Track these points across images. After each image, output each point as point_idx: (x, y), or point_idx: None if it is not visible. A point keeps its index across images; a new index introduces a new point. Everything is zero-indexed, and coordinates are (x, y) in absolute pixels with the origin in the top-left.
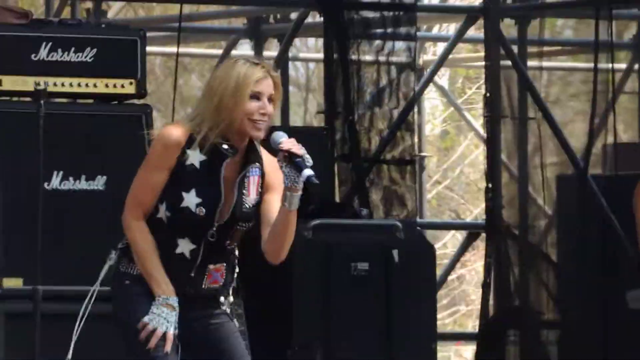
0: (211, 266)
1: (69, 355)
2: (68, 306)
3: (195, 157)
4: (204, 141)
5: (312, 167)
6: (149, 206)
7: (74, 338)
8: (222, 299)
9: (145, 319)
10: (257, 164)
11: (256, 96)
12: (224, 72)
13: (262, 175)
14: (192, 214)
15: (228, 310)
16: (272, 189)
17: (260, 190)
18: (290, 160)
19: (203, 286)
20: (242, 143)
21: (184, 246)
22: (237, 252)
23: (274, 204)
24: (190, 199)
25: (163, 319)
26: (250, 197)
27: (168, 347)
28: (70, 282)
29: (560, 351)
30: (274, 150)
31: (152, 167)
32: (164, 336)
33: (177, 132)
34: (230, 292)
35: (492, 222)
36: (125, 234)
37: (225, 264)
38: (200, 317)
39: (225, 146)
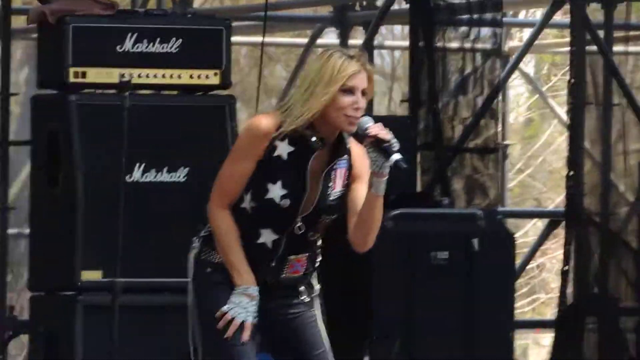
0: (292, 257)
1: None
2: (147, 298)
3: (283, 148)
4: (293, 132)
5: (400, 153)
6: (234, 196)
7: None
8: (301, 288)
9: (224, 308)
10: (346, 156)
11: (350, 90)
12: (319, 63)
13: (350, 168)
14: (276, 205)
15: (307, 300)
16: (359, 178)
17: (346, 182)
18: (377, 146)
19: (283, 275)
20: (332, 136)
21: (267, 236)
22: (320, 242)
23: (360, 192)
24: (276, 191)
25: (242, 308)
26: (336, 190)
27: (246, 336)
28: (149, 275)
29: (639, 338)
30: (361, 136)
31: (239, 157)
32: (242, 326)
33: (266, 123)
34: (313, 280)
35: (572, 209)
36: (209, 222)
37: (307, 254)
38: (279, 307)
39: (314, 138)
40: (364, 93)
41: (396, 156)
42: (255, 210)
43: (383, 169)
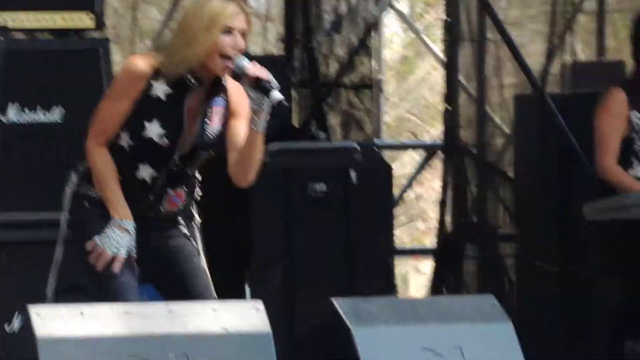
0: (170, 191)
1: (49, 293)
2: (28, 234)
3: (160, 89)
4: (171, 73)
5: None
6: (111, 134)
7: (53, 272)
8: (180, 219)
9: (95, 239)
10: (222, 94)
11: (228, 31)
12: (196, 6)
13: (227, 105)
14: (155, 144)
15: (186, 231)
16: (237, 115)
17: (224, 119)
18: (257, 85)
19: (162, 209)
20: (209, 75)
21: (145, 171)
22: (197, 176)
23: (239, 129)
24: (154, 129)
25: (114, 240)
26: (214, 127)
27: (116, 268)
28: (26, 209)
29: (517, 263)
30: (239, 76)
31: (116, 96)
32: (113, 258)
33: (143, 63)
34: (193, 213)
35: (449, 141)
36: (86, 159)
37: (185, 189)
38: (159, 239)
39: (191, 79)
40: (243, 34)
41: (277, 94)
42: (133, 148)
43: (263, 107)
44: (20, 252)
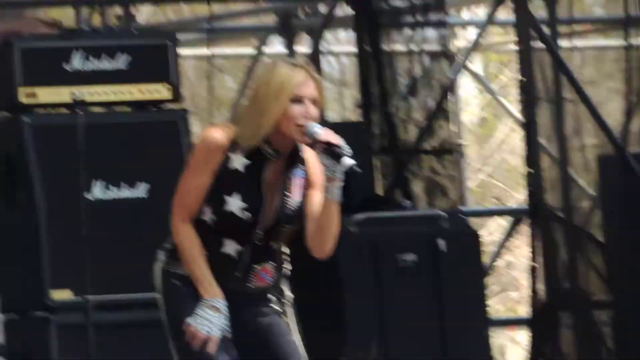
0: (257, 266)
1: None
2: (118, 315)
3: (238, 161)
4: (247, 145)
5: (352, 157)
6: (194, 209)
7: None
8: (270, 296)
9: (189, 320)
10: (301, 165)
11: (299, 100)
12: (265, 76)
13: (306, 177)
14: (237, 218)
15: (278, 308)
16: (313, 185)
17: (303, 190)
18: (329, 151)
19: (251, 285)
20: (287, 146)
21: (230, 246)
22: (285, 250)
23: (315, 198)
24: (235, 203)
25: (207, 321)
26: (294, 199)
27: (211, 349)
28: (118, 291)
29: (614, 330)
30: (312, 143)
31: (195, 170)
32: (207, 339)
33: (220, 135)
34: (283, 289)
35: (535, 206)
36: (172, 237)
37: (272, 264)
38: (251, 316)
39: (269, 150)
40: (314, 102)
41: (349, 161)
42: (217, 223)
43: (336, 174)
44: (113, 332)
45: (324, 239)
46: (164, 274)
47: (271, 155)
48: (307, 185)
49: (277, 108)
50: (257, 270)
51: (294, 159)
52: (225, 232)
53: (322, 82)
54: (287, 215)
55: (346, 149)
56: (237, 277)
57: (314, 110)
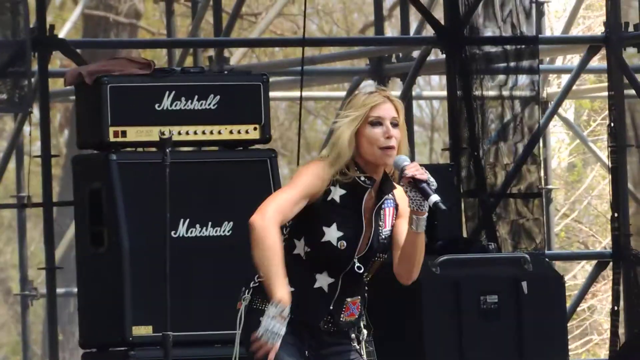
0: (348, 299)
1: None
2: (198, 351)
3: (336, 192)
4: (343, 176)
5: (436, 192)
6: (287, 217)
7: None
8: (352, 335)
9: (258, 331)
10: (391, 195)
11: (378, 122)
12: (351, 102)
13: (396, 206)
14: (333, 248)
15: (358, 347)
16: (401, 215)
17: (394, 221)
18: (415, 185)
19: (341, 319)
20: (377, 174)
21: (322, 280)
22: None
23: (401, 227)
24: (332, 233)
25: (274, 333)
26: (386, 229)
27: (271, 357)
28: (199, 329)
29: None
30: (399, 175)
31: (301, 190)
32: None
33: (327, 168)
34: (362, 327)
35: (619, 249)
36: (252, 234)
37: (360, 296)
38: (332, 354)
39: (363, 178)
40: (396, 124)
41: (435, 197)
42: (310, 255)
43: (422, 207)
44: None
45: (410, 268)
46: (249, 312)
47: (366, 184)
48: (397, 214)
49: (351, 128)
50: (348, 302)
51: (385, 188)
52: (319, 264)
53: (400, 104)
54: (381, 244)
55: (432, 183)
56: (330, 311)
57: (395, 132)
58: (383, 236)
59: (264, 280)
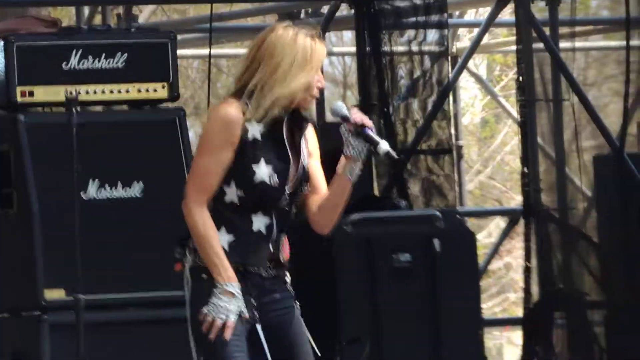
0: (283, 237)
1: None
2: (111, 314)
3: (254, 129)
4: (264, 113)
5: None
6: (213, 190)
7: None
8: (287, 278)
9: (204, 309)
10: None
11: (317, 70)
12: (286, 45)
13: (306, 139)
14: (266, 187)
15: (293, 291)
16: (312, 155)
17: (307, 153)
18: (361, 133)
19: (282, 259)
20: (290, 109)
21: (259, 222)
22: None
23: (318, 170)
24: (262, 170)
25: (222, 308)
26: (306, 160)
27: (227, 334)
28: (112, 291)
29: (607, 331)
30: (339, 121)
31: (214, 149)
32: (224, 325)
33: (234, 109)
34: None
35: (530, 206)
36: (186, 220)
37: (285, 233)
38: (272, 301)
39: (279, 113)
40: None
41: (385, 145)
42: (244, 198)
43: (361, 155)
44: (106, 332)
45: (333, 216)
46: (193, 272)
47: (282, 117)
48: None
49: (304, 79)
50: (283, 240)
51: (301, 121)
52: (253, 206)
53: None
54: (306, 174)
55: (374, 132)
56: (270, 251)
57: (323, 80)
58: (306, 167)
59: (206, 264)
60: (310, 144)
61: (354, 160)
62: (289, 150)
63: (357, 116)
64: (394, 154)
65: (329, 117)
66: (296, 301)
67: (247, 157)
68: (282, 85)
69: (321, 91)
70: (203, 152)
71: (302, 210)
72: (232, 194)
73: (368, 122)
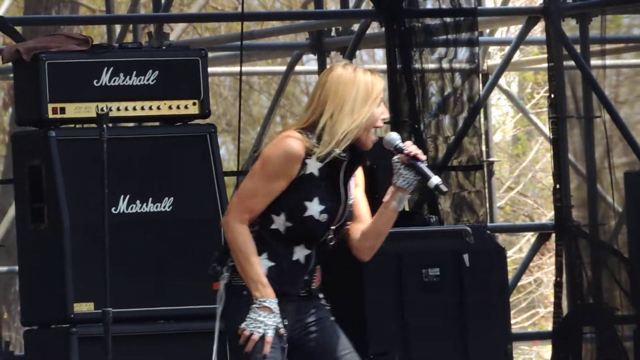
0: (317, 267)
1: None
2: (139, 327)
3: (313, 166)
4: (333, 147)
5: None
6: (255, 214)
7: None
8: (321, 294)
9: (242, 325)
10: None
11: (378, 103)
12: (347, 80)
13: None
14: (316, 222)
15: (328, 307)
16: (358, 185)
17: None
18: (412, 165)
19: (312, 287)
20: (355, 148)
21: (300, 253)
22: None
23: (361, 198)
24: (314, 207)
25: (260, 322)
26: (351, 198)
27: (266, 350)
28: (141, 305)
29: (636, 345)
30: (392, 151)
31: (270, 177)
32: (262, 340)
33: (299, 145)
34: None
35: (561, 221)
36: (226, 236)
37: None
38: (310, 317)
39: (341, 152)
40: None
41: (436, 179)
42: (290, 229)
43: (411, 186)
44: (134, 345)
45: (375, 244)
46: (230, 289)
47: (344, 158)
48: (354, 184)
49: (367, 111)
50: (318, 270)
51: (358, 160)
52: (298, 239)
53: None
54: (350, 214)
55: (427, 164)
56: (305, 281)
57: (387, 112)
58: (350, 205)
59: (244, 279)
60: (358, 175)
61: (403, 190)
62: (342, 190)
63: (412, 149)
64: (444, 188)
65: None
66: (332, 316)
67: (301, 193)
68: (350, 118)
69: None
70: (257, 175)
71: (345, 238)
72: (280, 223)
73: (422, 155)
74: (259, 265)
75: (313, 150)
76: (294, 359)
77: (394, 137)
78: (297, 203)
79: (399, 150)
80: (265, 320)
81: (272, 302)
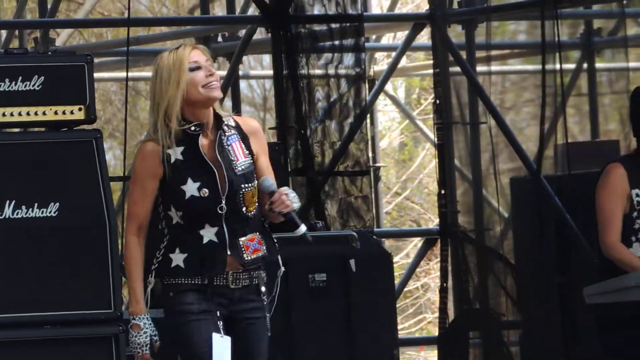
0: (242, 239)
1: None
2: (25, 333)
3: (175, 153)
4: (175, 134)
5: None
6: (145, 217)
7: None
8: (263, 288)
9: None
10: (233, 130)
11: (196, 67)
12: (152, 75)
13: (243, 138)
14: (199, 199)
15: (266, 302)
16: (259, 153)
17: (248, 151)
18: (281, 212)
19: (246, 258)
20: (208, 116)
21: (208, 233)
22: (264, 221)
23: (264, 164)
24: (190, 187)
25: (133, 343)
26: (240, 161)
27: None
28: (25, 310)
29: (522, 350)
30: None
31: (139, 181)
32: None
33: (149, 145)
34: (279, 258)
35: (447, 226)
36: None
37: (258, 232)
38: (242, 310)
39: (192, 128)
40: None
41: (302, 228)
42: (185, 217)
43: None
44: (18, 351)
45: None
46: (163, 287)
47: (195, 131)
48: (253, 152)
49: (180, 82)
50: (244, 242)
51: (219, 126)
52: (196, 222)
53: (204, 49)
54: (239, 177)
55: (297, 208)
56: (227, 255)
57: (212, 67)
58: (240, 169)
59: (129, 292)
60: (253, 142)
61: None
62: (208, 161)
63: (279, 207)
64: (310, 238)
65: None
66: (267, 314)
67: (175, 181)
68: (165, 97)
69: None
70: (131, 184)
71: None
72: (175, 216)
73: (288, 208)
74: (137, 281)
75: (167, 141)
76: (232, 329)
77: (270, 182)
78: (175, 192)
79: (272, 195)
80: (136, 340)
81: (140, 318)
